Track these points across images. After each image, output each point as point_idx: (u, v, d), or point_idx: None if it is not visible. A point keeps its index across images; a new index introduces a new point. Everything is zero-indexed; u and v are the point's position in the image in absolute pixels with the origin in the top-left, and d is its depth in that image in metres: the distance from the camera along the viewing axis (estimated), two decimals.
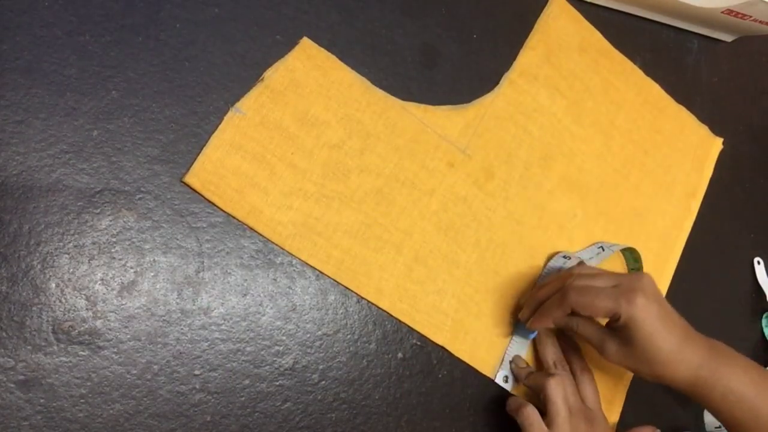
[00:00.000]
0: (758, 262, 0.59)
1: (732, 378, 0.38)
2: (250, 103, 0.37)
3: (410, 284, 0.41)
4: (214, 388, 0.35)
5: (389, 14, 0.43)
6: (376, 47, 0.42)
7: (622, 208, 0.51)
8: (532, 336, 0.44)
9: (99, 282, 0.33)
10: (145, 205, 0.34)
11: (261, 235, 0.37)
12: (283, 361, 0.37)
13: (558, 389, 0.39)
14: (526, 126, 0.47)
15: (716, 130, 0.57)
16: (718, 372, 0.38)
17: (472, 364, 0.42)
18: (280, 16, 0.39)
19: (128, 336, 0.33)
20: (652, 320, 0.37)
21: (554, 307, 0.39)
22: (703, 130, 0.56)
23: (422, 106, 0.43)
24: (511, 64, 0.47)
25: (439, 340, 0.41)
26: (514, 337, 0.44)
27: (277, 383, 0.36)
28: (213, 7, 0.37)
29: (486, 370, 0.43)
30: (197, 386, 0.34)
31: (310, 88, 0.39)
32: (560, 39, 0.49)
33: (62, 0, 0.34)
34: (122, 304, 0.33)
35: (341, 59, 0.40)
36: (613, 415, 0.48)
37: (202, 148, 0.36)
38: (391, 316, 0.40)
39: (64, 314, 0.32)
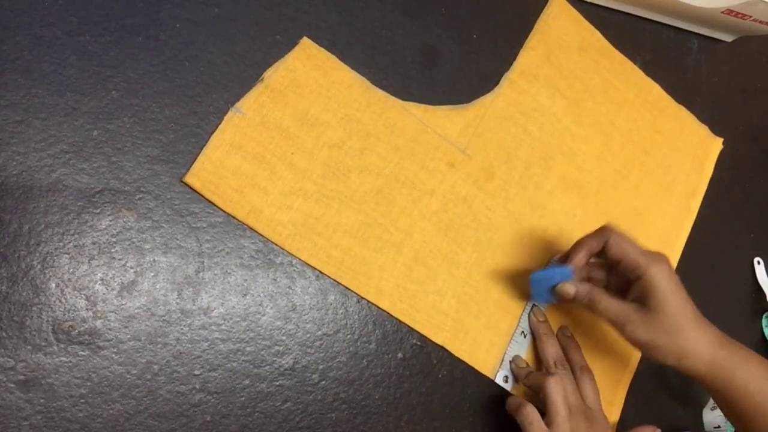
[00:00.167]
0: (758, 262, 0.59)
1: (751, 364, 0.38)
2: (250, 103, 0.37)
3: (410, 284, 0.41)
4: (214, 388, 0.35)
5: (389, 14, 0.43)
6: (376, 47, 0.42)
7: (622, 208, 0.51)
8: (549, 300, 0.43)
9: (99, 282, 0.33)
10: (145, 205, 0.34)
11: (261, 235, 0.37)
12: (283, 361, 0.37)
13: (558, 388, 0.39)
14: (526, 126, 0.47)
15: (716, 130, 0.57)
16: (736, 357, 0.38)
17: (471, 364, 0.42)
18: (280, 16, 0.39)
19: (128, 336, 0.33)
20: (674, 285, 0.38)
21: (591, 237, 0.41)
22: (703, 130, 0.56)
23: (422, 106, 0.43)
24: (511, 64, 0.47)
25: (439, 340, 0.41)
26: (514, 337, 0.44)
27: (277, 383, 0.36)
28: (213, 7, 0.37)
29: (486, 370, 0.43)
30: (197, 386, 0.34)
31: (310, 88, 0.39)
32: (560, 39, 0.49)
33: (62, 0, 0.34)
34: (122, 304, 0.33)
35: (341, 59, 0.40)
36: (613, 415, 0.48)
37: (202, 148, 0.36)
38: (391, 316, 0.40)
39: (64, 314, 0.32)
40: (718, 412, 0.49)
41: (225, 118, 0.36)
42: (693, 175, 0.55)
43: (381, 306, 0.40)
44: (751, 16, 0.51)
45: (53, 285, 0.32)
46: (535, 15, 0.48)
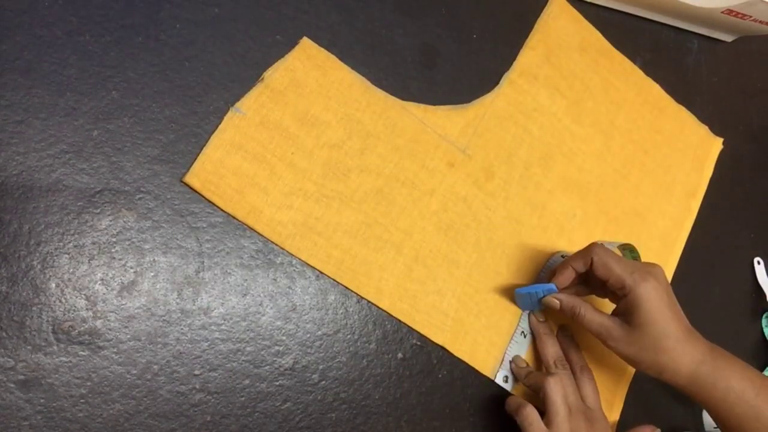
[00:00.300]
0: (758, 262, 0.59)
1: (732, 376, 0.38)
2: (250, 103, 0.37)
3: (410, 284, 0.41)
4: (214, 388, 0.35)
5: (389, 14, 0.43)
6: (376, 47, 0.42)
7: (622, 208, 0.51)
8: (536, 308, 0.44)
9: (99, 282, 0.33)
10: (145, 205, 0.34)
11: (261, 235, 0.37)
12: (283, 361, 0.37)
13: (557, 388, 0.39)
14: (526, 126, 0.47)
15: (716, 130, 0.57)
16: (718, 370, 0.38)
17: (471, 364, 0.42)
18: (280, 16, 0.39)
19: (128, 336, 0.33)
20: (660, 304, 0.37)
21: (577, 258, 0.40)
22: (703, 130, 0.56)
23: (422, 106, 0.43)
24: (511, 64, 0.47)
25: (439, 340, 0.41)
26: (514, 337, 0.44)
27: (277, 383, 0.36)
28: (213, 7, 0.37)
29: (486, 370, 0.43)
30: (197, 386, 0.34)
31: (310, 88, 0.39)
32: (560, 39, 0.49)
33: (62, 0, 0.34)
34: (122, 304, 0.33)
35: (341, 59, 0.40)
36: (613, 415, 0.48)
37: (202, 148, 0.36)
38: (391, 316, 0.40)
39: (64, 314, 0.32)
40: None
41: (225, 118, 0.36)
42: (693, 175, 0.55)
43: (381, 306, 0.40)
44: (751, 16, 0.51)
45: (53, 285, 0.32)
46: (535, 15, 0.48)
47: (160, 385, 0.33)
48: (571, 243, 0.48)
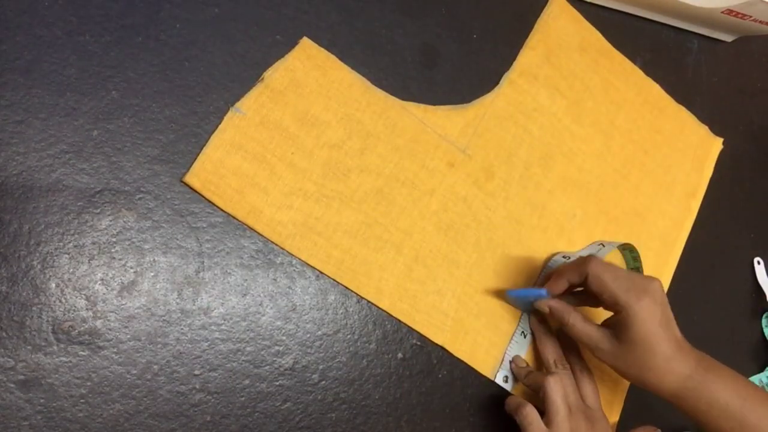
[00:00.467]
0: (758, 262, 0.59)
1: (718, 389, 0.38)
2: (250, 103, 0.37)
3: (410, 284, 0.41)
4: (214, 388, 0.35)
5: (389, 14, 0.43)
6: (376, 47, 0.42)
7: (622, 208, 0.51)
8: (529, 309, 0.44)
9: (99, 282, 0.33)
10: (145, 205, 0.34)
11: (261, 235, 0.37)
12: (283, 361, 0.37)
13: (557, 387, 0.39)
14: (526, 126, 0.47)
15: (716, 130, 0.57)
16: (704, 383, 0.38)
17: (471, 364, 0.42)
18: (280, 16, 0.39)
19: (128, 336, 0.33)
20: (652, 323, 0.37)
21: (572, 269, 0.40)
22: (703, 130, 0.56)
23: (422, 106, 0.43)
24: (511, 64, 0.47)
25: (439, 340, 0.41)
26: (514, 337, 0.44)
27: (277, 383, 0.36)
28: (213, 7, 0.37)
29: (485, 370, 0.43)
30: (197, 386, 0.34)
31: (310, 88, 0.39)
32: (560, 39, 0.49)
33: (62, 0, 0.34)
34: (122, 304, 0.33)
35: (341, 59, 0.40)
36: (613, 415, 0.48)
37: (202, 148, 0.36)
38: (391, 316, 0.40)
39: (64, 314, 0.32)
40: None
41: (225, 118, 0.36)
42: (693, 175, 0.55)
43: (381, 306, 0.40)
44: (751, 16, 0.51)
45: (53, 285, 0.32)
46: (535, 15, 0.48)
47: (160, 385, 0.33)
48: (571, 243, 0.48)
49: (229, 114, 0.37)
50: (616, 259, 0.50)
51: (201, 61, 0.37)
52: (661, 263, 0.52)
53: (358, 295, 0.39)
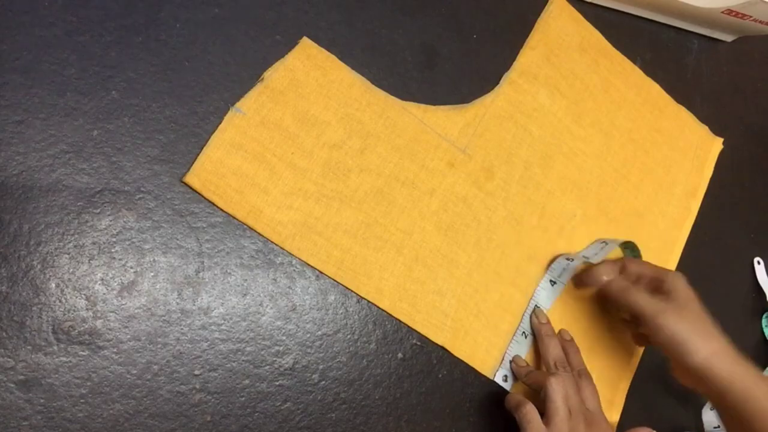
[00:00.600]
0: (758, 262, 0.59)
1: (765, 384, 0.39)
2: (250, 103, 0.37)
3: (410, 284, 0.41)
4: (214, 388, 0.35)
5: (389, 14, 0.43)
6: (376, 47, 0.42)
7: (622, 208, 0.51)
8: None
9: (99, 282, 0.33)
10: (145, 205, 0.34)
11: (261, 235, 0.37)
12: (283, 361, 0.37)
13: (558, 388, 0.39)
14: (526, 126, 0.47)
15: (716, 130, 0.57)
16: (753, 373, 0.39)
17: (471, 364, 0.42)
18: (280, 16, 0.39)
19: (128, 336, 0.33)
20: (696, 299, 0.41)
21: (608, 264, 0.44)
22: (703, 130, 0.56)
23: (422, 106, 0.43)
24: (511, 64, 0.47)
25: (439, 340, 0.41)
26: (515, 337, 0.44)
27: (277, 383, 0.36)
28: (213, 7, 0.37)
29: (485, 370, 0.43)
30: (197, 386, 0.34)
31: (310, 88, 0.39)
32: (560, 39, 0.49)
33: (62, 0, 0.34)
34: (122, 304, 0.33)
35: (341, 59, 0.40)
36: (614, 416, 0.48)
37: (202, 148, 0.36)
38: (391, 316, 0.40)
39: (64, 314, 0.32)
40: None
41: (225, 118, 0.36)
42: (693, 175, 0.55)
43: (381, 306, 0.40)
44: (751, 16, 0.51)
45: (53, 285, 0.32)
46: (535, 15, 0.48)
47: (160, 385, 0.33)
48: (571, 243, 0.48)
49: (229, 114, 0.37)
50: (617, 256, 0.50)
51: (201, 61, 0.37)
52: (661, 263, 0.52)
53: (358, 295, 0.39)
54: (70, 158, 0.33)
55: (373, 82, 0.41)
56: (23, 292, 0.31)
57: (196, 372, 0.34)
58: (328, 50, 0.40)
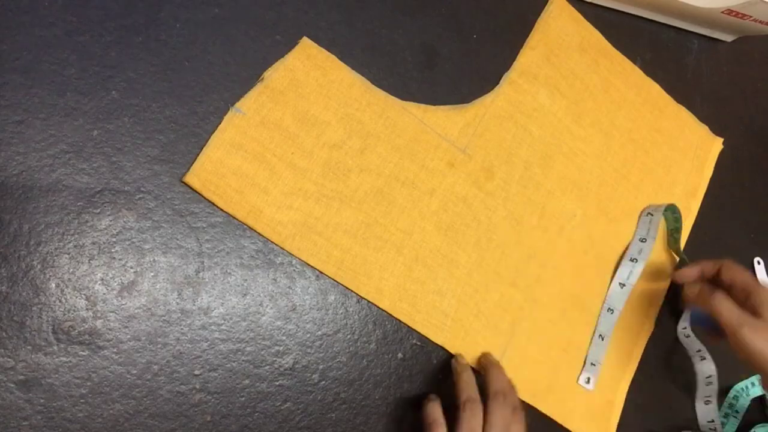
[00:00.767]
0: (758, 262, 0.59)
1: None
2: (250, 103, 0.37)
3: (410, 284, 0.41)
4: (214, 388, 0.35)
5: (389, 14, 0.43)
6: (376, 47, 0.42)
7: (622, 208, 0.51)
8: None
9: (99, 282, 0.33)
10: (145, 205, 0.34)
11: (261, 235, 0.37)
12: (283, 361, 0.37)
13: (468, 424, 0.36)
14: (526, 126, 0.47)
15: (716, 130, 0.57)
16: None
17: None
18: (280, 16, 0.39)
19: (128, 336, 0.33)
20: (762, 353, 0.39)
21: (706, 261, 0.46)
22: (703, 130, 0.56)
23: (422, 106, 0.43)
24: (511, 64, 0.47)
25: (439, 340, 0.41)
26: (593, 340, 0.46)
27: (277, 383, 0.36)
28: (213, 7, 0.37)
29: None
30: (197, 386, 0.34)
31: (310, 88, 0.39)
32: (560, 39, 0.49)
33: (62, 0, 0.34)
34: (122, 304, 0.33)
35: (341, 59, 0.40)
36: (614, 415, 0.48)
37: (202, 148, 0.36)
38: (391, 316, 0.40)
39: (64, 314, 0.32)
40: (712, 405, 0.49)
41: (225, 118, 0.36)
42: (693, 175, 0.55)
43: (381, 306, 0.40)
44: (751, 16, 0.51)
45: (53, 285, 0.32)
46: (535, 15, 0.48)
47: (160, 385, 0.33)
48: (571, 243, 0.48)
49: (229, 114, 0.37)
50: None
51: (201, 61, 0.37)
52: (662, 263, 0.52)
53: (358, 295, 0.39)
54: (70, 158, 0.33)
55: (373, 82, 0.41)
56: (23, 292, 0.31)
57: (196, 372, 0.34)
58: (328, 50, 0.40)
